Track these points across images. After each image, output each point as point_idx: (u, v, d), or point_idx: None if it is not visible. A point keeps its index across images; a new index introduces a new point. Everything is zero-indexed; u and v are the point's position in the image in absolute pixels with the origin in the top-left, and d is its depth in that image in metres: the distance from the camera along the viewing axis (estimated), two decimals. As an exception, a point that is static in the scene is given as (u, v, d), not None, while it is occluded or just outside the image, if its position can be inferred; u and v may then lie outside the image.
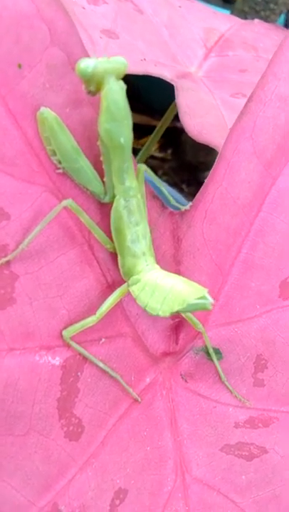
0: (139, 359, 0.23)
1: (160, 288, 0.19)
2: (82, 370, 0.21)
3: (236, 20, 0.50)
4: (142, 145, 0.49)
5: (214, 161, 0.23)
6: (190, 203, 0.23)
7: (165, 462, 0.23)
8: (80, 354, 0.21)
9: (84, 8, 0.37)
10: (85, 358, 0.21)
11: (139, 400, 0.22)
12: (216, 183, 0.23)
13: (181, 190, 0.68)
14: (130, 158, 0.19)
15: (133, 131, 0.19)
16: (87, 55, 0.19)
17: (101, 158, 0.20)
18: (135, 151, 0.22)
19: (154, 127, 0.48)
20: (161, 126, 0.44)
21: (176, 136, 0.64)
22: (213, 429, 0.24)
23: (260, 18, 0.56)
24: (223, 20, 0.50)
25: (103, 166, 0.20)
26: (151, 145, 0.46)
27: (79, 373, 0.20)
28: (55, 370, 0.20)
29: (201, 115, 0.34)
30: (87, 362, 0.21)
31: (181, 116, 0.33)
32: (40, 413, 0.19)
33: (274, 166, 0.23)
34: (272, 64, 0.23)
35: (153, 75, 0.35)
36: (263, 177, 0.23)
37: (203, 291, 0.19)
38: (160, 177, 0.69)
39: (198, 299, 0.18)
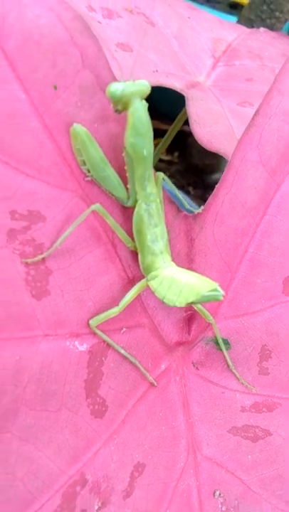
0: (155, 347, 0.25)
1: (176, 282, 0.22)
2: (106, 355, 0.23)
3: (243, 29, 0.52)
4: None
5: (220, 164, 0.26)
6: (202, 207, 0.26)
7: (178, 441, 0.25)
8: (104, 341, 0.23)
9: (100, 22, 0.40)
10: (108, 345, 0.23)
11: (156, 384, 0.25)
12: (226, 188, 0.25)
13: (187, 193, 0.70)
14: (151, 168, 0.22)
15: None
16: (114, 76, 0.22)
17: (125, 168, 0.22)
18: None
19: (162, 131, 0.50)
20: (172, 131, 0.45)
21: (182, 140, 0.66)
22: (222, 413, 0.26)
23: (266, 25, 0.58)
24: (230, 30, 0.52)
25: (127, 175, 0.22)
26: (162, 149, 0.48)
27: (103, 358, 0.23)
28: (83, 355, 0.22)
29: (210, 124, 0.36)
30: (111, 349, 0.23)
31: (191, 124, 0.35)
32: (70, 392, 0.22)
33: (278, 173, 0.26)
34: (277, 80, 0.26)
35: (165, 86, 0.37)
36: (268, 183, 0.26)
37: (215, 285, 0.21)
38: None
39: (211, 291, 0.21)
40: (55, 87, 0.20)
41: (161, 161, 0.68)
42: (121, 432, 0.23)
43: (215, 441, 0.26)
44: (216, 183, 0.26)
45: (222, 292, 0.21)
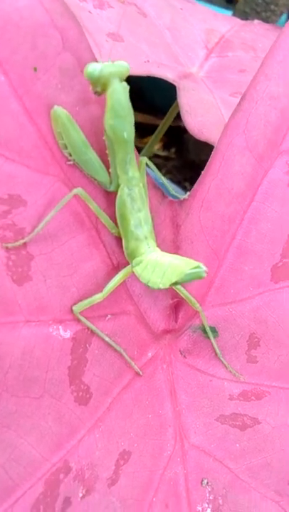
0: (141, 335, 0.25)
1: (160, 264, 0.22)
2: (91, 342, 0.23)
3: (236, 21, 0.52)
4: (146, 144, 0.51)
5: None
6: (188, 193, 0.25)
7: (165, 429, 0.25)
8: (88, 328, 0.23)
9: (90, 12, 0.39)
10: (93, 332, 0.23)
11: (141, 373, 0.24)
12: (212, 174, 0.25)
13: (184, 188, 0.70)
14: (132, 151, 0.21)
15: (137, 130, 0.21)
16: (95, 60, 0.21)
17: (107, 151, 0.22)
18: (138, 150, 0.24)
19: (157, 126, 0.50)
20: (164, 124, 0.45)
21: (179, 135, 0.66)
22: (210, 401, 0.26)
23: (261, 19, 0.58)
24: (224, 21, 0.51)
25: (108, 158, 0.22)
26: (154, 143, 0.48)
27: (87, 345, 0.23)
28: (66, 341, 0.22)
29: (201, 114, 0.36)
30: (95, 335, 0.23)
31: (182, 115, 0.34)
32: (53, 379, 0.21)
33: (265, 159, 0.25)
34: (263, 65, 0.25)
35: (156, 76, 0.37)
36: (255, 169, 0.25)
37: (198, 263, 0.21)
38: (164, 175, 0.71)
39: (193, 268, 0.20)
40: (35, 69, 0.20)
41: (157, 156, 0.68)
42: (106, 419, 0.23)
43: (203, 430, 0.25)
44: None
45: (205, 269, 0.20)
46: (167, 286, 0.21)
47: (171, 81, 0.37)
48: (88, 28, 0.38)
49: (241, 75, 0.44)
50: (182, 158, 0.72)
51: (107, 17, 0.40)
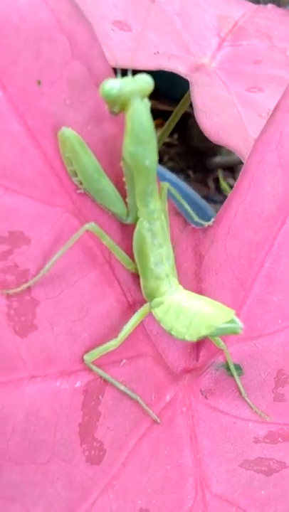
0: (159, 377, 0.22)
1: (185, 311, 0.19)
2: (104, 393, 0.20)
3: (249, 5, 0.48)
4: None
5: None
6: (213, 219, 0.22)
7: (185, 480, 0.22)
8: (101, 377, 0.20)
9: (95, -3, 0.36)
10: (106, 381, 0.20)
11: (158, 421, 0.22)
12: (240, 197, 0.22)
13: (187, 176, 0.67)
14: (155, 181, 0.18)
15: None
16: (109, 68, 0.18)
17: (124, 179, 0.19)
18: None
19: (160, 111, 0.46)
20: (175, 115, 0.42)
21: (183, 121, 0.63)
22: (233, 445, 0.23)
23: (272, 2, 0.55)
24: (237, 6, 0.48)
25: (126, 187, 0.19)
26: (165, 134, 0.45)
27: (100, 396, 0.20)
28: (77, 394, 0.19)
29: (217, 114, 0.33)
30: (109, 384, 0.20)
31: (196, 113, 0.32)
32: (62, 439, 0.19)
33: (300, 177, 0.23)
34: (299, 70, 0.22)
35: (167, 69, 0.34)
36: (287, 189, 0.23)
37: (231, 314, 0.18)
38: (166, 162, 0.68)
39: (227, 323, 0.18)
40: (39, 82, 0.17)
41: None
42: (121, 476, 0.21)
43: (225, 477, 0.23)
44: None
45: (241, 325, 0.18)
46: (195, 339, 0.18)
47: (183, 75, 0.34)
48: (93, 15, 0.34)
49: (256, 67, 0.41)
50: (185, 144, 0.69)
51: (113, 3, 0.37)
